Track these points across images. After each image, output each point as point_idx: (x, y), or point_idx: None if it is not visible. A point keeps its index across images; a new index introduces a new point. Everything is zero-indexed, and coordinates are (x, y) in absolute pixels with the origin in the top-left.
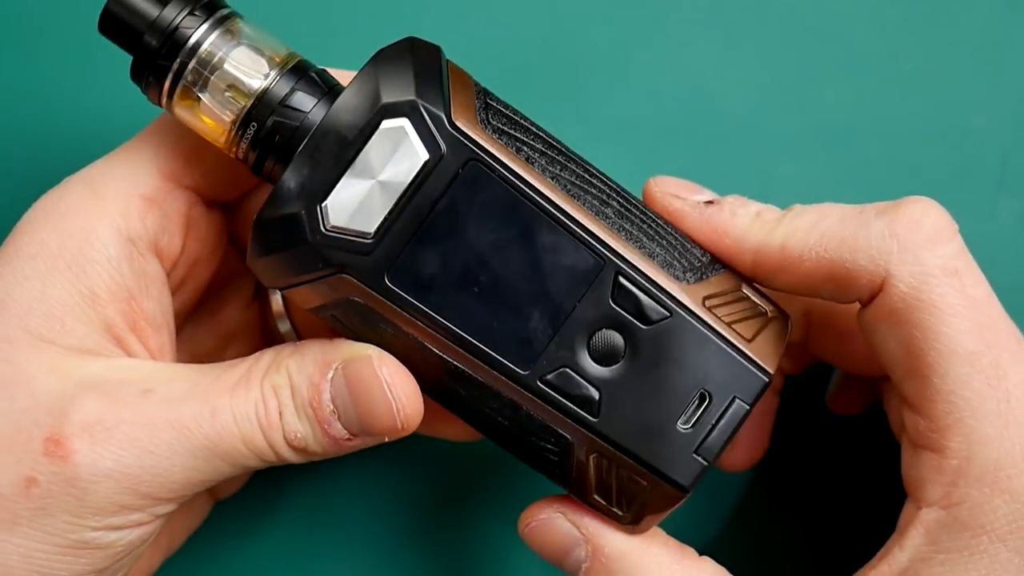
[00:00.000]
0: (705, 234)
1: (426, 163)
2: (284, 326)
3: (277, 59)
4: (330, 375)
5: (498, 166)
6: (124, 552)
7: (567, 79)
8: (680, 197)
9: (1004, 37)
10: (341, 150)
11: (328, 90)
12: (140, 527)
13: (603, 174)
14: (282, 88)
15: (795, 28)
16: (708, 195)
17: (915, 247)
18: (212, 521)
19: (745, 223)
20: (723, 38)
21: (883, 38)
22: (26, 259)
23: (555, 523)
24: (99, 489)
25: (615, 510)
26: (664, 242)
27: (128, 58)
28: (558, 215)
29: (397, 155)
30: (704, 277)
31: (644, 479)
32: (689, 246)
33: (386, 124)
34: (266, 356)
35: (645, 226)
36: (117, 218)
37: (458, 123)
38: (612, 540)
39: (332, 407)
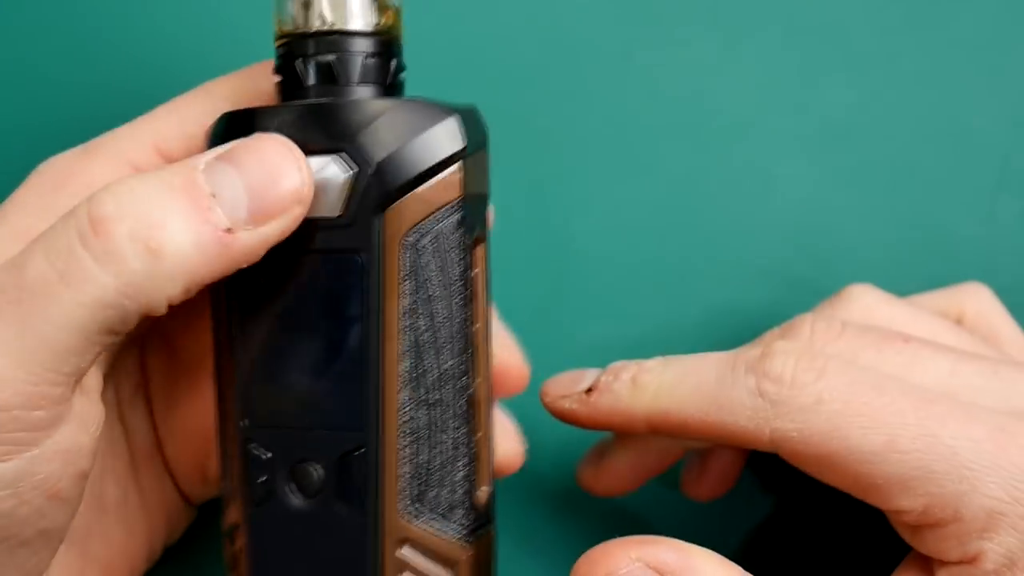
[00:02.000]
0: (598, 422)
1: (332, 216)
2: None
3: (384, 22)
4: (201, 166)
5: (373, 278)
6: (22, 495)
7: (567, 79)
8: (565, 396)
9: (1004, 37)
10: (298, 137)
11: (372, 82)
12: (17, 452)
13: (466, 354)
14: (327, 45)
15: (795, 28)
16: (589, 380)
17: (785, 400)
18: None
19: (625, 398)
20: (723, 38)
21: (883, 38)
22: (3, 209)
23: (625, 567)
24: None
25: None
26: (439, 459)
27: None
28: (370, 361)
29: (321, 187)
30: (430, 524)
31: None
32: (455, 486)
33: (338, 158)
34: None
35: (447, 421)
36: (94, 173)
37: (387, 216)
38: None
39: (209, 190)
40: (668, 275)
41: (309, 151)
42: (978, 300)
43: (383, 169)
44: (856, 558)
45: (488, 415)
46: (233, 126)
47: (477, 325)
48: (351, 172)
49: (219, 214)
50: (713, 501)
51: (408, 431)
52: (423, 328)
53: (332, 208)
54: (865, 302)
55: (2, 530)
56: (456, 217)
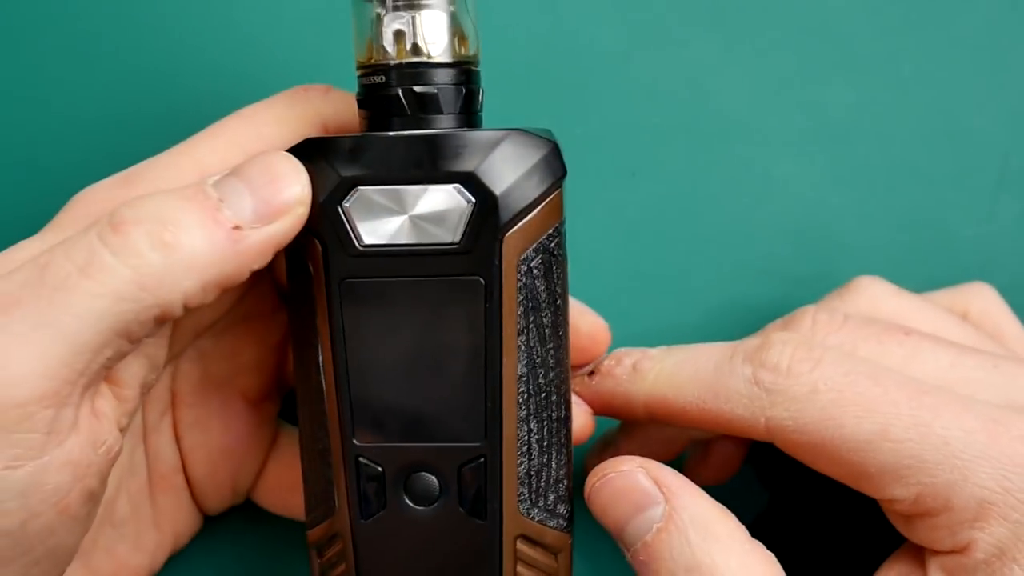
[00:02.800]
0: (598, 405)
1: (449, 243)
2: None
3: (460, 52)
4: (210, 181)
5: (495, 301)
6: (39, 504)
7: (567, 79)
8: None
9: (1004, 37)
10: (411, 168)
11: (463, 112)
12: (35, 455)
13: (564, 367)
14: (430, 77)
15: (795, 28)
16: (593, 364)
17: (781, 389)
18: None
19: (625, 383)
20: (723, 38)
21: (883, 38)
22: (38, 239)
23: (633, 477)
24: None
25: None
26: (545, 459)
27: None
28: (493, 378)
29: (438, 217)
30: (540, 520)
31: None
32: (558, 482)
33: (456, 188)
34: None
35: (547, 433)
36: None
37: (504, 244)
38: (693, 503)
39: (216, 196)
40: (668, 275)
41: (423, 180)
42: (983, 299)
43: (502, 199)
44: (850, 548)
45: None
46: (322, 152)
47: (568, 333)
48: (471, 203)
49: (227, 214)
50: (713, 487)
51: (522, 439)
52: (534, 343)
53: (450, 235)
54: (872, 293)
55: (15, 547)
56: (559, 238)
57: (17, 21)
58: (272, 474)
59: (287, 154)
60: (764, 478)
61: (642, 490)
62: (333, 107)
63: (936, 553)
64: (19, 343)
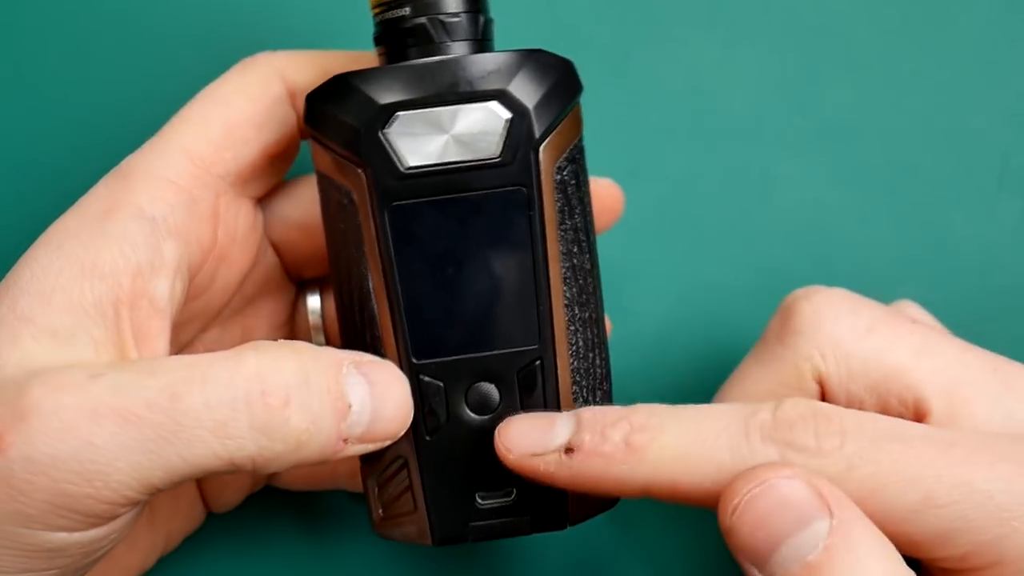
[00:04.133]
0: (583, 487)
1: (491, 158)
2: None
3: None
4: (344, 370)
5: (535, 209)
6: (87, 552)
7: None
8: (537, 455)
9: (1004, 37)
10: (445, 90)
11: (480, 38)
12: (94, 529)
13: (596, 272)
14: (451, 5)
15: (795, 28)
16: (562, 434)
17: (815, 470)
18: (208, 536)
19: (618, 464)
20: (723, 38)
21: (883, 38)
22: (43, 244)
23: (797, 485)
24: (35, 487)
25: (377, 508)
26: (591, 359)
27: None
28: (542, 283)
29: (478, 134)
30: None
31: (414, 508)
32: (602, 381)
33: (492, 105)
34: (258, 342)
35: (591, 334)
36: (141, 196)
37: (540, 154)
38: (859, 517)
39: (349, 401)
40: (668, 275)
41: (459, 101)
42: (913, 314)
43: (534, 112)
44: None
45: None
46: (355, 85)
47: (595, 238)
48: (507, 117)
49: (345, 427)
50: None
51: (571, 340)
52: (573, 247)
53: (491, 151)
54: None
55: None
56: (582, 148)
57: (17, 21)
58: None
59: (405, 384)
60: None
61: (806, 501)
62: (286, 61)
63: None
64: (126, 460)
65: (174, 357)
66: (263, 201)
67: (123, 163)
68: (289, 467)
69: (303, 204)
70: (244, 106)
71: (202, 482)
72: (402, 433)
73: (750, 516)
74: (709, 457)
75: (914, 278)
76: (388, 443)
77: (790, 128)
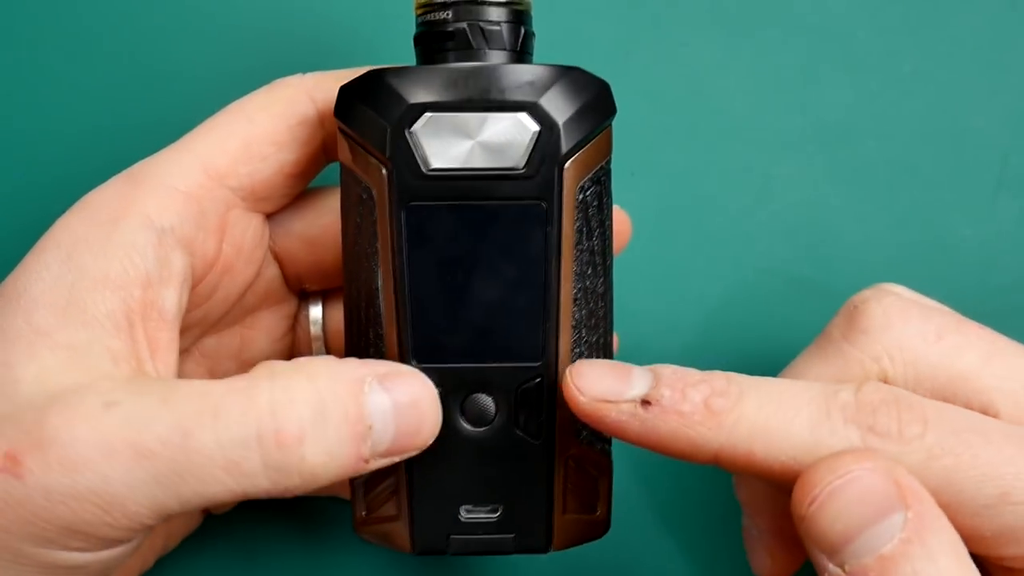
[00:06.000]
0: (650, 444)
1: (515, 168)
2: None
3: None
4: (366, 388)
5: (553, 225)
6: (105, 569)
7: None
8: (610, 402)
9: (1004, 37)
10: (476, 96)
11: (519, 50)
12: (111, 549)
13: (609, 297)
14: (493, 14)
15: (795, 28)
16: (639, 385)
17: (896, 457)
18: (206, 536)
19: (697, 426)
20: (723, 38)
21: (883, 38)
22: (52, 247)
23: (872, 479)
24: (53, 514)
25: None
26: None
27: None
28: (551, 301)
29: (505, 143)
30: (588, 443)
31: (397, 514)
32: None
33: (522, 116)
34: (272, 366)
35: (597, 358)
36: (150, 206)
37: (565, 171)
38: (937, 512)
39: (370, 423)
40: (668, 275)
41: (489, 108)
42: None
43: (564, 129)
44: None
45: None
46: (388, 82)
47: (612, 263)
48: (535, 130)
49: (367, 447)
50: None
51: (575, 361)
52: (587, 268)
53: (515, 161)
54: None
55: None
56: (608, 171)
57: (17, 21)
58: None
59: (433, 392)
60: None
61: (885, 493)
62: (315, 82)
63: None
64: (142, 494)
65: (185, 383)
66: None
67: (136, 167)
68: (306, 492)
69: (308, 216)
70: (266, 123)
71: None
72: (430, 443)
73: (831, 508)
74: (788, 431)
75: (914, 278)
76: (416, 453)
77: (790, 128)
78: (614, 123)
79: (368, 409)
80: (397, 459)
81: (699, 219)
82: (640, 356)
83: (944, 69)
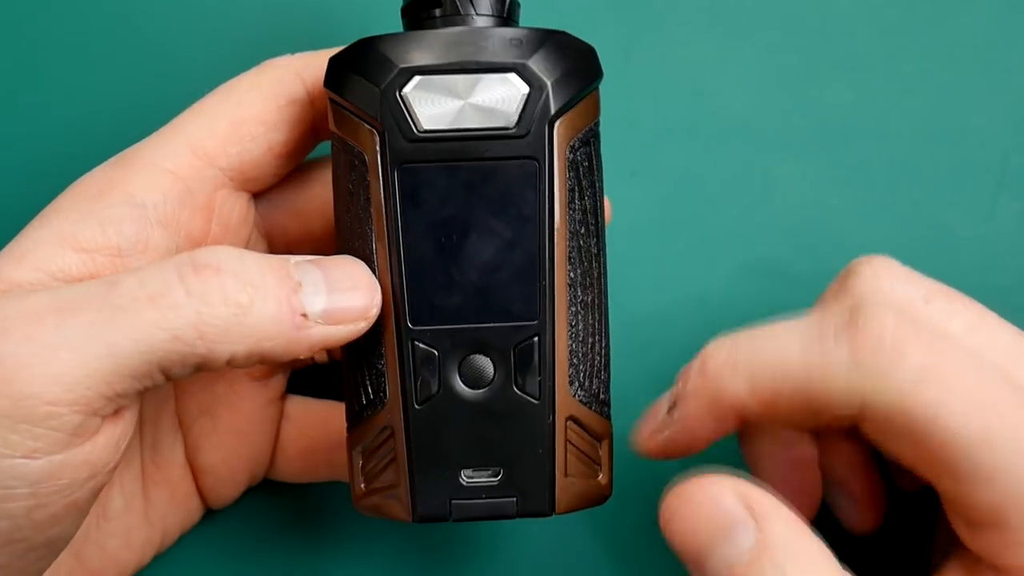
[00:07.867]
0: (691, 428)
1: (506, 127)
2: None
3: None
4: (293, 261)
5: (545, 183)
6: (70, 484)
7: None
8: (654, 431)
9: (1004, 37)
10: (466, 58)
11: (505, 16)
12: (68, 448)
13: (602, 259)
14: None
15: (795, 28)
16: (665, 401)
17: (884, 372)
18: (205, 533)
19: (702, 386)
20: (723, 38)
21: (883, 38)
22: (35, 219)
23: (723, 500)
24: None
25: (359, 483)
26: (591, 344)
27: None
28: (545, 258)
29: (495, 103)
30: (586, 403)
31: (396, 482)
32: (601, 370)
33: (511, 77)
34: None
35: (592, 319)
36: (135, 184)
37: (556, 130)
38: (786, 529)
39: (296, 279)
40: (667, 275)
41: (479, 70)
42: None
43: (553, 88)
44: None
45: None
46: (378, 48)
47: (604, 225)
48: (525, 91)
49: (299, 299)
50: None
51: (571, 321)
52: (580, 227)
53: (507, 120)
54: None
55: (17, 531)
56: (597, 133)
57: (12, 13)
58: (290, 444)
59: (368, 269)
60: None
61: (731, 513)
62: (304, 62)
63: (999, 569)
64: (67, 347)
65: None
66: None
67: (127, 150)
68: (251, 352)
69: (295, 188)
70: (255, 103)
71: (198, 475)
72: (374, 312)
73: (680, 525)
74: (781, 362)
75: None
76: (363, 325)
77: (790, 128)
78: (611, 125)
79: (291, 269)
80: (344, 330)
81: (699, 219)
82: (640, 356)
83: (944, 69)
